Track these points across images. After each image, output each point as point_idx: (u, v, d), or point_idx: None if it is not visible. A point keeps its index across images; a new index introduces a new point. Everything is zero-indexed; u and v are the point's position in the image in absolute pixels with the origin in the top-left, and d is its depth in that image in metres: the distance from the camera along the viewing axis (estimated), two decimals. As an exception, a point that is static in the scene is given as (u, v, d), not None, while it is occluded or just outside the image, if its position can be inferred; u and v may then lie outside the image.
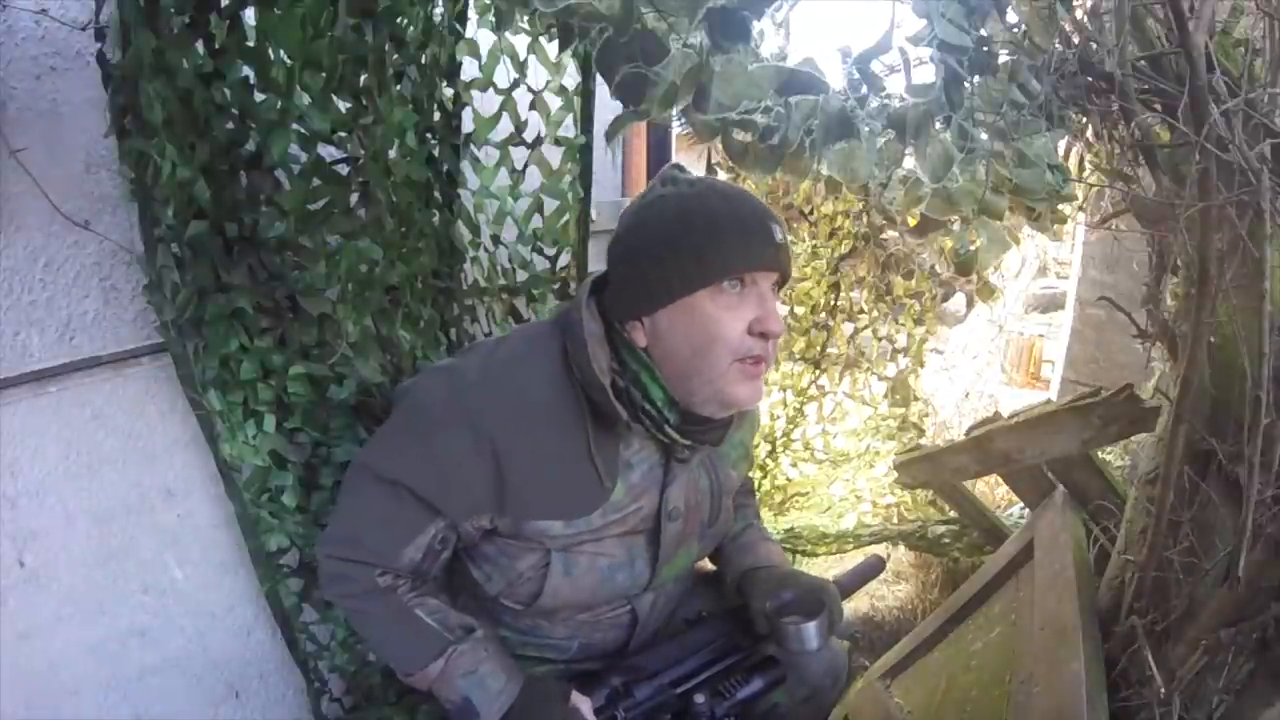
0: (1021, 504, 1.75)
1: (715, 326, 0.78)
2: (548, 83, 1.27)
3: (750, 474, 1.20)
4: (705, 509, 0.93)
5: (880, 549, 1.99)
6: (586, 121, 1.32)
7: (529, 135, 1.28)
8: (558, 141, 1.30)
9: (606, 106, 1.18)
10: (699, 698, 0.89)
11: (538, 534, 0.84)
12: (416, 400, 0.85)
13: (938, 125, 0.78)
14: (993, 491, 2.30)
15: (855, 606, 1.97)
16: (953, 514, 1.88)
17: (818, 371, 2.40)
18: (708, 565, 1.12)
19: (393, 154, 1.05)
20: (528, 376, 0.83)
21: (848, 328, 2.42)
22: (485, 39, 1.21)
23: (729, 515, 1.00)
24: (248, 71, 0.89)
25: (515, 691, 0.85)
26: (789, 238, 0.88)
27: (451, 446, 0.80)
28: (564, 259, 1.42)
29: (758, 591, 0.93)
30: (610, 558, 0.87)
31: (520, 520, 0.83)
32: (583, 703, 0.85)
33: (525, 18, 1.03)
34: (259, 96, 0.90)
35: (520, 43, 1.22)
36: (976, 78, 0.77)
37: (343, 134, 0.96)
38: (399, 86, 1.05)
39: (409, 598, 0.86)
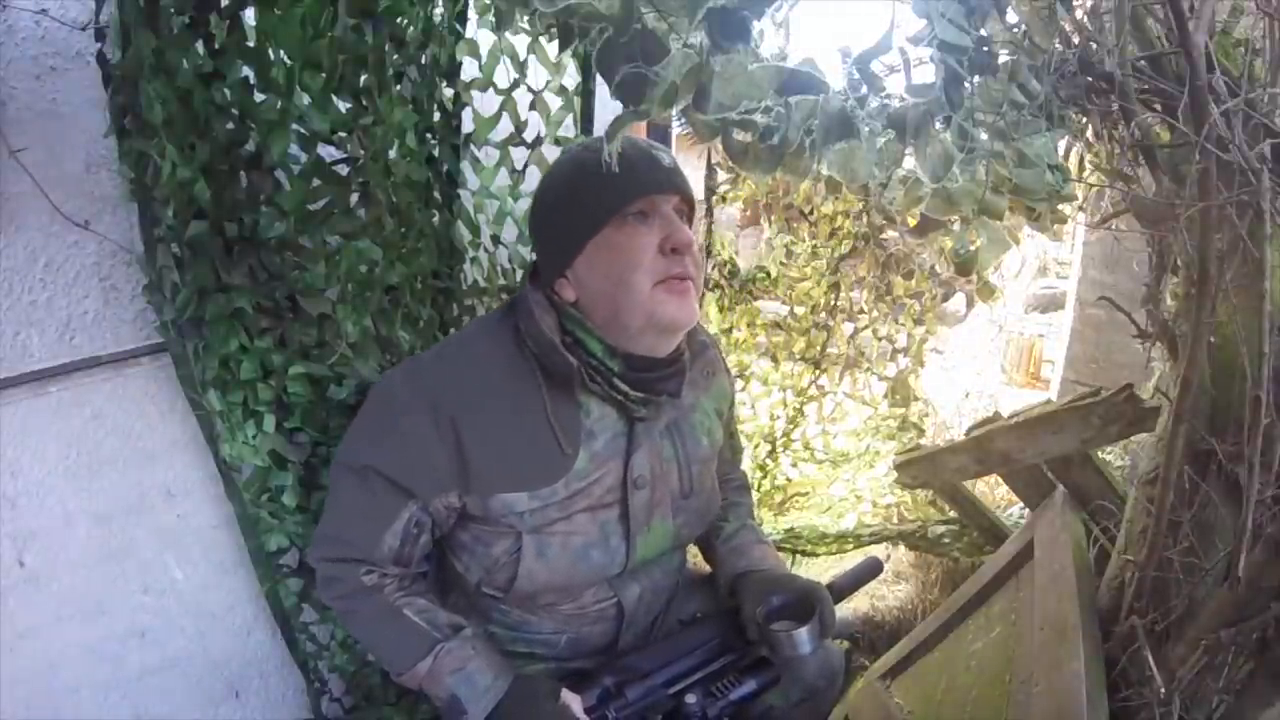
0: (1021, 504, 1.75)
1: (628, 254, 0.82)
2: (548, 83, 1.26)
3: (746, 471, 1.21)
4: (674, 479, 0.94)
5: (880, 549, 1.99)
6: (586, 121, 1.32)
7: (529, 135, 1.28)
8: (558, 141, 1.30)
9: (606, 106, 1.18)
10: (691, 698, 0.89)
11: (505, 510, 0.85)
12: (378, 390, 0.89)
13: (938, 125, 0.78)
14: (993, 491, 2.29)
15: (855, 606, 1.96)
16: (953, 514, 1.88)
17: (818, 371, 2.40)
18: (703, 566, 1.12)
19: (393, 154, 1.05)
20: (482, 353, 0.88)
21: (848, 328, 2.42)
22: (485, 39, 1.21)
23: (712, 493, 1.00)
24: (248, 71, 0.89)
25: (503, 689, 0.85)
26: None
27: (413, 426, 0.83)
28: (564, 259, 1.42)
29: (749, 596, 0.94)
30: (583, 536, 0.88)
31: (486, 496, 0.85)
32: (573, 701, 0.85)
33: (525, 18, 1.03)
34: (259, 96, 0.90)
35: (520, 43, 1.22)
36: (976, 78, 0.77)
37: (343, 134, 0.96)
38: (399, 86, 1.05)
39: (396, 597, 0.88)
